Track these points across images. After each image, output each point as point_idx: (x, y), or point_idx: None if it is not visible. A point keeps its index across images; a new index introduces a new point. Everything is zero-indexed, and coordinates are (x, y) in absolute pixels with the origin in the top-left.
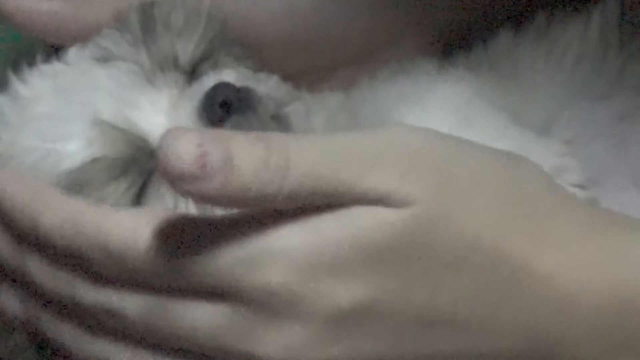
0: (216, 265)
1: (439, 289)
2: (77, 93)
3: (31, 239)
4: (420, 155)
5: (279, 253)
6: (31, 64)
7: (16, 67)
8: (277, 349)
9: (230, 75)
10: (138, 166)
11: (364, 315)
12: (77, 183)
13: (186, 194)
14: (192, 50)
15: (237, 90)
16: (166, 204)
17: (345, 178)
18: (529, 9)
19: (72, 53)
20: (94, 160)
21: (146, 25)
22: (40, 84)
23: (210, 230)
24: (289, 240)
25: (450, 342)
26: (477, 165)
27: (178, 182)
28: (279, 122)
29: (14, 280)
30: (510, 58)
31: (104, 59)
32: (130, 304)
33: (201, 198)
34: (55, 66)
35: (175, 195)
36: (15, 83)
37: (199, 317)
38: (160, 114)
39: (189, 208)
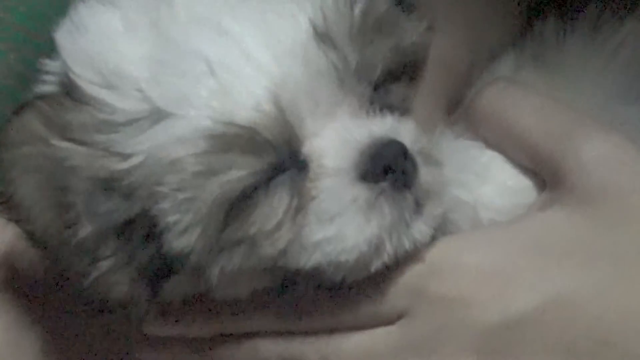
0: None
1: None
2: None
3: None
4: None
5: None
6: None
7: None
8: None
9: (410, 133)
10: (269, 157)
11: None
12: (217, 144)
13: None
14: (389, 64)
15: (405, 158)
16: (275, 211)
17: None
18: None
19: None
20: (249, 139)
21: (377, 22)
22: (240, 14)
23: None
24: None
25: None
26: None
27: None
28: (416, 209)
29: None
30: (559, 50)
31: (319, 35)
32: None
33: None
34: None
35: (286, 211)
36: None
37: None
38: (329, 124)
39: (294, 225)
